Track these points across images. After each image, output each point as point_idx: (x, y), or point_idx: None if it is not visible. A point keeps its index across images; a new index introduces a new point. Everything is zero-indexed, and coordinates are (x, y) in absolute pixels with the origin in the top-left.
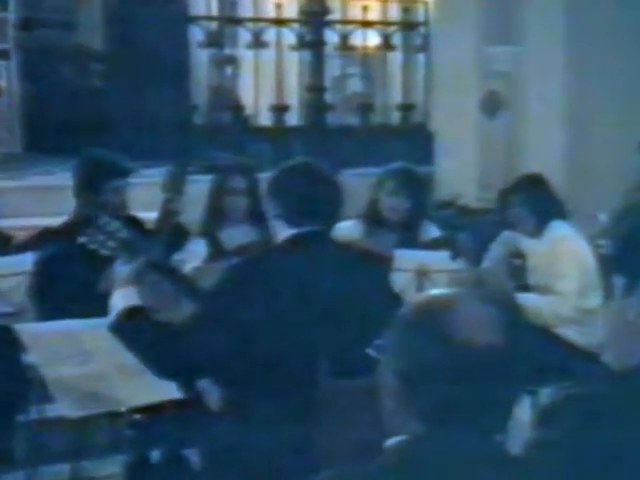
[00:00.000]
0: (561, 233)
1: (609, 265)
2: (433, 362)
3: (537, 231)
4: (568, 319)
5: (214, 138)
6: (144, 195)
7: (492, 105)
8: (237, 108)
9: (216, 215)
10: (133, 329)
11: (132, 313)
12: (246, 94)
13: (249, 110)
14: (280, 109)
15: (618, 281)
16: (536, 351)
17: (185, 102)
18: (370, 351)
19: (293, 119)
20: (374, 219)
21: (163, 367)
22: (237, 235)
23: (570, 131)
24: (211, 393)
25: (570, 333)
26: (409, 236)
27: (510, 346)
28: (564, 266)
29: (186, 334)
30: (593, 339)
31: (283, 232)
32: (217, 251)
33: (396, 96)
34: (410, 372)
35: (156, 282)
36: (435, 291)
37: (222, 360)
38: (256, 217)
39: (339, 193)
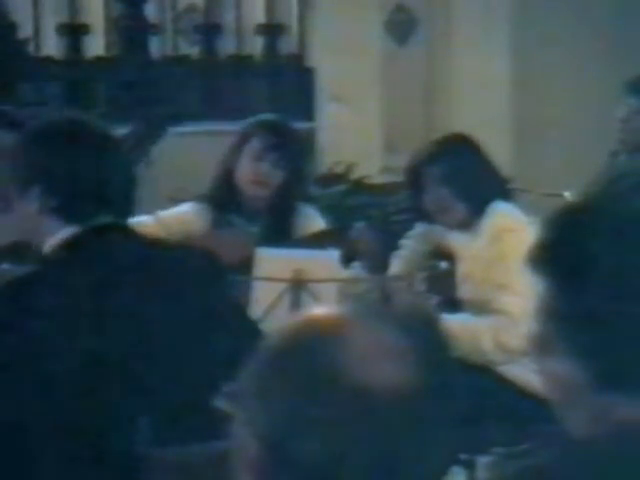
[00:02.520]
0: (506, 222)
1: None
2: (313, 419)
3: (470, 220)
4: (517, 351)
5: None
6: None
7: (402, 26)
8: (8, 27)
9: None
10: None
11: None
12: (22, 9)
13: (25, 32)
14: (75, 30)
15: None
16: (470, 400)
17: None
18: (217, 403)
19: (96, 45)
20: (226, 201)
21: None
22: None
23: (519, 64)
24: None
25: (520, 371)
26: (279, 227)
27: (430, 393)
28: (511, 272)
29: None
30: None
31: (57, 231)
32: None
33: (256, 13)
34: (278, 434)
35: None
36: (317, 310)
37: None
38: None
39: (129, 164)
